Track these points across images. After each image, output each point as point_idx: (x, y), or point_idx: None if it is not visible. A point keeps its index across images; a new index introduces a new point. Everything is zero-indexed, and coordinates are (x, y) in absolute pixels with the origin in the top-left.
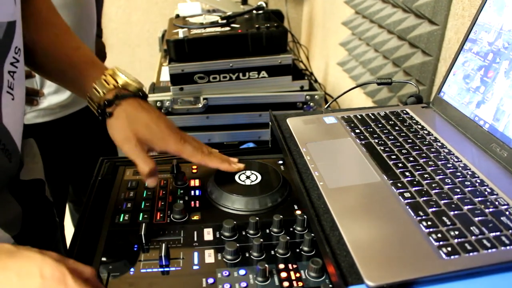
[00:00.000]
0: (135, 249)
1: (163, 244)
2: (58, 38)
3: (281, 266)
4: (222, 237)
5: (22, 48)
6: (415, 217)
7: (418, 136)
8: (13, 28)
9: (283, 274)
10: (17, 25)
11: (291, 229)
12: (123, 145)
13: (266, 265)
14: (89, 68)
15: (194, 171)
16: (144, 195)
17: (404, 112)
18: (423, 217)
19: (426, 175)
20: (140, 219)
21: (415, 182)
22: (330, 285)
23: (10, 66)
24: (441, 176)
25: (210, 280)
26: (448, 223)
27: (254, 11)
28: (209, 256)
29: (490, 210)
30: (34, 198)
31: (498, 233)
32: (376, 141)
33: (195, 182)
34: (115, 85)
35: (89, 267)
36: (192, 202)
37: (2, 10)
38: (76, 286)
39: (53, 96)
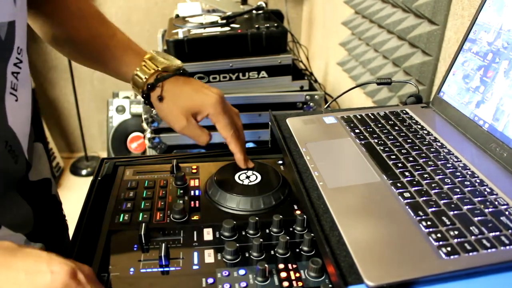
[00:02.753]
0: (135, 249)
1: (163, 244)
2: (92, 28)
3: (281, 266)
4: (222, 237)
5: (24, 48)
6: (414, 217)
7: (418, 136)
8: (13, 28)
9: (283, 274)
10: (17, 25)
11: (291, 229)
12: (175, 126)
13: (266, 265)
14: (127, 55)
15: (194, 171)
16: (144, 195)
17: (404, 112)
18: (423, 217)
19: (425, 175)
20: (140, 219)
21: (414, 182)
22: (330, 285)
23: (13, 67)
24: (440, 176)
25: (210, 280)
26: (448, 223)
27: (254, 11)
28: (209, 256)
29: (490, 210)
30: (42, 197)
31: (497, 233)
32: (376, 141)
33: (195, 182)
34: (155, 69)
35: (88, 266)
36: (192, 202)
37: (2, 10)
38: (87, 283)
39: None
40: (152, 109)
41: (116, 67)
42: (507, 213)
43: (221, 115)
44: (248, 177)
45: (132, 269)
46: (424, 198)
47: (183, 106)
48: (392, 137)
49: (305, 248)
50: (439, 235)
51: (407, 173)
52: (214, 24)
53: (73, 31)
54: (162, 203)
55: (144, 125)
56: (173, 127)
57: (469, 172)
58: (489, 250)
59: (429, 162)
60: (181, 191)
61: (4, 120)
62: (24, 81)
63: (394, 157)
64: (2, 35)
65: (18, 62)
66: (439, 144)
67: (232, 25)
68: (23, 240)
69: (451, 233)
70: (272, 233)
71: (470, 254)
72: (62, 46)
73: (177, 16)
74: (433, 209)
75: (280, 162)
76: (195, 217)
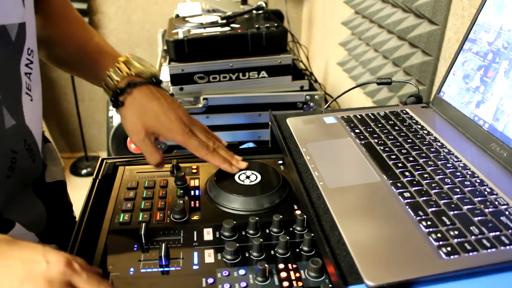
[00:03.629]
0: (135, 249)
1: (163, 244)
2: (71, 30)
3: (281, 266)
4: (222, 237)
5: (35, 49)
6: (415, 217)
7: (418, 136)
8: (24, 30)
9: (283, 274)
10: (27, 27)
11: (291, 229)
12: (132, 137)
13: (266, 265)
14: (103, 58)
15: (194, 171)
16: (144, 195)
17: (404, 112)
18: (423, 217)
19: (425, 175)
20: (140, 219)
21: (414, 182)
22: (330, 285)
23: (25, 67)
24: (440, 176)
25: (210, 280)
26: (448, 223)
27: (254, 11)
28: (209, 256)
29: (490, 210)
30: (57, 199)
31: (497, 233)
32: (376, 141)
33: (195, 182)
34: (128, 73)
35: (81, 258)
36: (192, 202)
37: (11, 12)
38: (82, 270)
39: None
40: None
41: (91, 70)
42: (507, 213)
43: (189, 140)
44: (248, 177)
45: (132, 269)
46: (424, 198)
47: (145, 122)
48: (392, 137)
49: (305, 248)
50: (439, 235)
51: (407, 173)
52: (214, 24)
53: (52, 34)
54: (162, 203)
55: None
56: (130, 136)
57: (469, 172)
58: (489, 250)
59: (429, 162)
60: (181, 191)
61: (22, 119)
62: (36, 82)
63: (394, 157)
64: (12, 36)
65: (29, 63)
66: (439, 144)
67: (232, 25)
68: (35, 241)
69: (451, 233)
70: (272, 233)
71: (470, 254)
72: (41, 48)
73: (177, 16)
74: (433, 209)
75: (280, 162)
76: (195, 217)
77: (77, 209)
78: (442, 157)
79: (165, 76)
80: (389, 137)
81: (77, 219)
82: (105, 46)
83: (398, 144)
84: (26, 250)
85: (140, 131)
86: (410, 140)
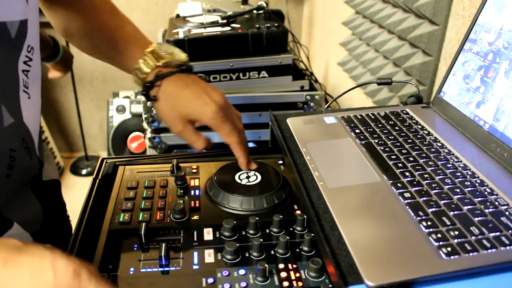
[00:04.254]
0: (135, 249)
1: (163, 244)
2: (101, 21)
3: (281, 266)
4: (222, 237)
5: (36, 46)
6: (415, 217)
7: (418, 136)
8: (25, 27)
9: (283, 274)
10: (29, 24)
11: (291, 229)
12: (171, 128)
13: (266, 265)
14: (131, 48)
15: (194, 171)
16: (144, 195)
17: (404, 112)
18: (423, 217)
19: (426, 175)
20: (140, 218)
21: (415, 182)
22: (330, 285)
23: (23, 65)
24: (441, 176)
25: (210, 280)
26: (448, 223)
27: (255, 11)
28: (209, 256)
29: (490, 210)
30: (52, 198)
31: (498, 233)
32: (376, 141)
33: (195, 182)
34: (156, 65)
35: (92, 265)
36: (192, 202)
37: (12, 9)
38: (90, 281)
39: None
40: (153, 108)
41: (120, 60)
42: (507, 213)
43: (221, 124)
44: (248, 177)
45: (132, 269)
46: (424, 198)
47: (180, 111)
48: (393, 137)
49: (305, 248)
50: (439, 235)
51: (407, 173)
52: (214, 24)
53: (84, 24)
54: (162, 202)
55: (144, 124)
56: (170, 129)
57: (470, 173)
58: (489, 251)
59: (429, 162)
60: (181, 191)
61: (20, 116)
62: (33, 80)
63: (394, 157)
64: (12, 33)
65: (27, 60)
66: (439, 144)
67: (233, 25)
68: (29, 241)
69: (451, 233)
70: (272, 233)
71: (471, 254)
72: (74, 39)
73: (178, 15)
74: (434, 209)
75: (280, 162)
76: (195, 217)
77: (76, 209)
78: (442, 157)
79: None
80: (389, 137)
81: (77, 219)
82: (134, 35)
83: (398, 144)
84: (34, 258)
85: (177, 123)
86: (410, 140)
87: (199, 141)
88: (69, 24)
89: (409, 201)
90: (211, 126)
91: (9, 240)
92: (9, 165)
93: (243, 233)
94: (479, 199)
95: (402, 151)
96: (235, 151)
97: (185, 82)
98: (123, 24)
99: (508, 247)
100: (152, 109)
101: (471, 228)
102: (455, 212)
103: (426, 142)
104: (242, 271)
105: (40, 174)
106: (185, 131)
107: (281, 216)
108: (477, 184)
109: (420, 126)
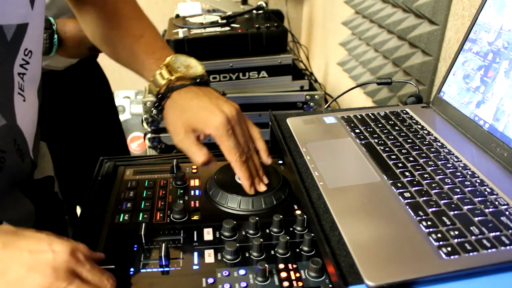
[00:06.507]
0: (135, 249)
1: (163, 244)
2: (123, 29)
3: (281, 266)
4: (222, 237)
5: (35, 50)
6: (415, 217)
7: (418, 136)
8: (23, 30)
9: (283, 274)
10: (30, 28)
11: (291, 229)
12: (173, 139)
13: (266, 265)
14: (148, 60)
15: (194, 171)
16: (144, 195)
17: (404, 112)
18: (423, 217)
19: (426, 175)
20: (140, 219)
21: (415, 182)
22: (330, 285)
23: (19, 68)
24: (441, 176)
25: (210, 280)
26: (448, 223)
27: (254, 11)
28: (209, 256)
29: (490, 210)
30: (45, 195)
31: (498, 233)
32: (376, 141)
33: (195, 182)
34: (170, 78)
35: (83, 244)
36: (192, 202)
37: (10, 12)
38: (85, 260)
39: None
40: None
41: (140, 71)
42: (507, 213)
43: (224, 137)
44: None
45: (132, 269)
46: (424, 198)
47: (185, 120)
48: (392, 137)
49: (305, 248)
50: (439, 235)
51: (407, 173)
52: (214, 24)
53: (106, 34)
54: (162, 203)
55: (144, 125)
56: (172, 138)
57: (470, 172)
58: (489, 250)
59: (429, 162)
60: (181, 191)
61: (13, 119)
62: (30, 82)
63: (394, 157)
64: (8, 36)
65: (24, 64)
66: (439, 144)
67: (232, 25)
68: None
69: (451, 233)
70: (272, 233)
71: (471, 254)
72: (100, 45)
73: (177, 16)
74: (433, 209)
75: (280, 162)
76: (195, 217)
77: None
78: (442, 157)
79: None
80: (389, 137)
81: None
82: (154, 45)
83: (398, 144)
84: (32, 241)
85: (180, 131)
86: (410, 140)
87: (199, 152)
88: (95, 30)
89: (409, 201)
90: (214, 138)
91: (3, 226)
92: None
93: (243, 233)
94: (479, 199)
95: (402, 151)
96: (235, 171)
97: (196, 93)
98: (143, 34)
99: (508, 247)
100: (153, 110)
101: (471, 228)
102: (455, 212)
103: (426, 142)
104: (242, 271)
105: (31, 175)
106: (185, 140)
107: (281, 216)
108: (477, 184)
109: (420, 126)
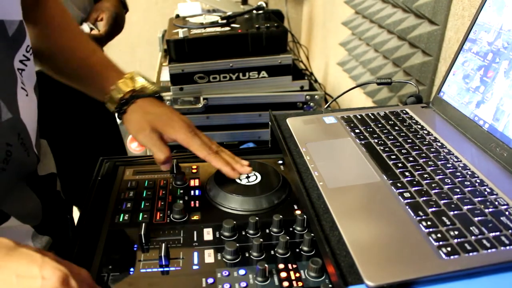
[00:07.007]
0: (135, 249)
1: (163, 244)
2: (74, 42)
3: (281, 266)
4: (222, 237)
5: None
6: (415, 217)
7: (418, 136)
8: (25, 27)
9: (283, 274)
10: None
11: (291, 229)
12: (138, 135)
13: (266, 265)
14: (108, 72)
15: (194, 171)
16: (144, 195)
17: (404, 112)
18: (423, 217)
19: (425, 175)
20: (140, 219)
21: (414, 182)
22: (330, 285)
23: (19, 63)
24: (440, 176)
25: (210, 280)
26: (448, 223)
27: (254, 11)
28: (209, 256)
29: (490, 210)
30: (50, 191)
31: (497, 233)
32: (376, 141)
33: (195, 182)
34: (133, 88)
35: (84, 269)
36: (192, 202)
37: (12, 8)
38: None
39: None
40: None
41: (93, 82)
42: (507, 213)
43: (190, 138)
44: (248, 177)
45: (132, 269)
46: (424, 198)
47: (150, 120)
48: (392, 137)
49: (305, 248)
50: (439, 235)
51: (407, 173)
52: (214, 24)
53: (52, 46)
54: (162, 203)
55: None
56: (136, 136)
57: (469, 172)
58: (489, 250)
59: (429, 162)
60: (181, 191)
61: (17, 113)
62: (28, 79)
63: (394, 157)
64: (10, 32)
65: (24, 60)
66: (439, 144)
67: (232, 25)
68: (31, 232)
69: (451, 233)
70: (272, 233)
71: (470, 254)
72: (42, 59)
73: (177, 16)
74: (433, 209)
75: (280, 162)
76: (195, 217)
77: (75, 208)
78: (442, 157)
79: (165, 76)
80: (389, 137)
81: (77, 219)
82: (109, 61)
83: (398, 144)
84: (23, 261)
85: (145, 127)
86: (410, 140)
87: (165, 149)
88: (39, 43)
89: (409, 201)
90: (180, 141)
91: (1, 240)
92: (4, 159)
93: (243, 233)
94: (479, 199)
95: (402, 151)
96: (213, 164)
97: (158, 104)
98: (95, 49)
99: (508, 247)
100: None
101: (471, 228)
102: (455, 212)
103: (426, 142)
104: (242, 271)
105: (36, 169)
106: (152, 136)
107: (281, 216)
108: (476, 184)
109: (420, 126)
